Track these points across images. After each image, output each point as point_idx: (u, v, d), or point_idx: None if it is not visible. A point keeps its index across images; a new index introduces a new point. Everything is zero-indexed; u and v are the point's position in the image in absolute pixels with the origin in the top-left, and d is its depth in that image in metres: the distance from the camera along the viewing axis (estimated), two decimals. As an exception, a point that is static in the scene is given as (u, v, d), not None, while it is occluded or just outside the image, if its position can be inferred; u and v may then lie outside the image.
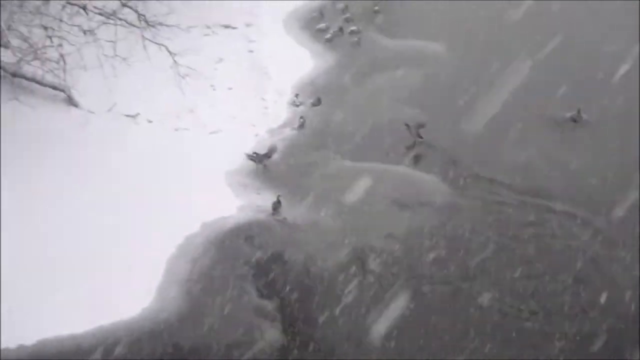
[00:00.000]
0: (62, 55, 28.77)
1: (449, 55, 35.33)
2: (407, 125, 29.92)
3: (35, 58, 29.11)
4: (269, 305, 22.47)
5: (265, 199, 26.65)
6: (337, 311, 22.09)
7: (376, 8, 40.28)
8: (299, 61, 35.62)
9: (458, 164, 28.32)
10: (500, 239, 24.60)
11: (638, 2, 39.09)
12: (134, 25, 29.69)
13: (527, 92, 32.23)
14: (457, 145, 29.34)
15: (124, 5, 29.63)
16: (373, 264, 23.82)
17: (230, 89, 33.22)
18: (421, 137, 29.75)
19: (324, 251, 24.35)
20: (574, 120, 30.57)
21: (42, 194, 25.98)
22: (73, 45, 29.19)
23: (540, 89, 32.68)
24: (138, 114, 30.85)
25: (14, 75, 30.37)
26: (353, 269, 23.64)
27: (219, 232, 25.08)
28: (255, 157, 28.36)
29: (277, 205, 26.16)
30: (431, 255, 24.10)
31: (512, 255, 24.04)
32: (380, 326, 21.38)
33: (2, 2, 29.14)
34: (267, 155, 28.57)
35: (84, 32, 29.04)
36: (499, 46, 36.19)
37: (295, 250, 24.46)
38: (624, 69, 33.11)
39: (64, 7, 28.58)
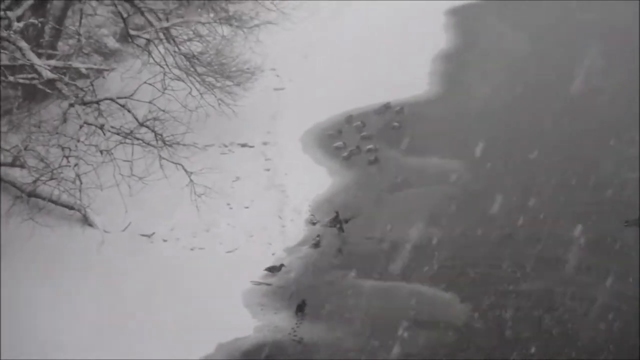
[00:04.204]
0: (78, 175, 28.76)
1: (468, 173, 35.16)
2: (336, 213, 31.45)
3: (52, 178, 29.17)
4: None
5: (282, 319, 26.30)
6: None
7: (395, 124, 40.41)
8: (316, 179, 35.52)
9: (478, 284, 27.89)
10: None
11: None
12: (151, 145, 29.78)
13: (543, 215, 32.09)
14: (479, 266, 28.91)
15: (142, 124, 29.75)
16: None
17: (247, 207, 33.13)
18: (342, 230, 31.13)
19: (341, 373, 23.87)
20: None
21: (53, 316, 25.72)
22: (90, 165, 29.20)
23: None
24: (153, 233, 30.77)
25: (30, 195, 30.47)
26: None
27: (236, 354, 24.71)
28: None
29: (301, 308, 26.29)
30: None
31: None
32: None
33: (20, 122, 29.38)
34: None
35: (101, 151, 29.07)
36: (517, 167, 36.05)
37: (312, 373, 24.00)
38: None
39: (81, 127, 28.69)
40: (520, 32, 52.50)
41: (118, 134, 29.49)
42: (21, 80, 32.14)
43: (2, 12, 28.09)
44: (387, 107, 42.38)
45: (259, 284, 28.20)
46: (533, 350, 24.47)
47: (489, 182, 34.58)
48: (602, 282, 27.37)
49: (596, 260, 28.77)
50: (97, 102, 29.30)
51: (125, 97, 29.47)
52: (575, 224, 30.65)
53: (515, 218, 31.36)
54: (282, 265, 28.91)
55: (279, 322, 26.21)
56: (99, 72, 37.73)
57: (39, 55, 31.67)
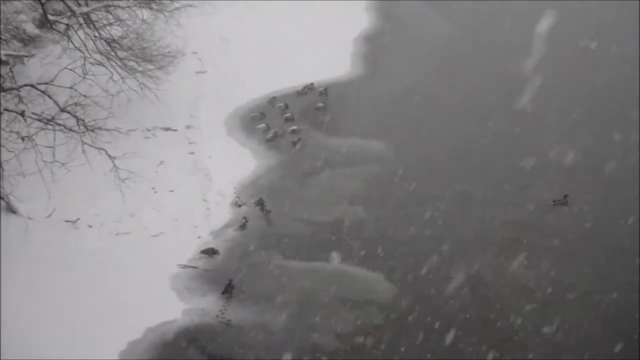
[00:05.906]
0: (-1, 163, 28.53)
1: (391, 153, 35.51)
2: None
3: (-27, 166, 28.83)
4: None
5: (210, 302, 26.39)
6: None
7: (319, 105, 40.49)
8: (240, 162, 35.54)
9: (403, 262, 28.28)
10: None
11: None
12: (73, 130, 29.62)
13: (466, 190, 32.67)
14: (405, 246, 29.29)
15: (63, 110, 29.53)
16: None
17: (171, 191, 33.03)
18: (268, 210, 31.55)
19: (270, 353, 24.02)
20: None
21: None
22: (11, 151, 28.96)
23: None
24: (78, 219, 30.53)
25: (-49, 184, 30.03)
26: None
27: (163, 337, 24.76)
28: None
29: (228, 289, 26.45)
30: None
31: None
32: None
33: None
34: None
35: (22, 138, 28.82)
36: (438, 143, 36.49)
37: (240, 353, 24.14)
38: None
39: (1, 114, 28.37)
40: (442, 15, 52.98)
41: (39, 120, 29.28)
42: (-62, 68, 31.72)
43: None
44: (310, 88, 42.48)
45: (186, 267, 28.22)
46: (455, 328, 25.03)
47: (412, 162, 34.94)
48: (533, 265, 27.99)
49: (522, 242, 29.36)
50: (17, 89, 29.02)
51: (46, 83, 29.25)
52: (501, 204, 31.28)
53: (440, 198, 31.82)
54: (217, 250, 28.99)
55: (206, 305, 26.32)
56: (19, 58, 37.20)
57: (-44, 43, 31.25)
